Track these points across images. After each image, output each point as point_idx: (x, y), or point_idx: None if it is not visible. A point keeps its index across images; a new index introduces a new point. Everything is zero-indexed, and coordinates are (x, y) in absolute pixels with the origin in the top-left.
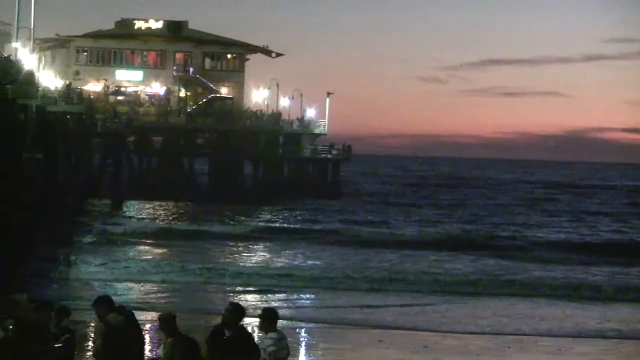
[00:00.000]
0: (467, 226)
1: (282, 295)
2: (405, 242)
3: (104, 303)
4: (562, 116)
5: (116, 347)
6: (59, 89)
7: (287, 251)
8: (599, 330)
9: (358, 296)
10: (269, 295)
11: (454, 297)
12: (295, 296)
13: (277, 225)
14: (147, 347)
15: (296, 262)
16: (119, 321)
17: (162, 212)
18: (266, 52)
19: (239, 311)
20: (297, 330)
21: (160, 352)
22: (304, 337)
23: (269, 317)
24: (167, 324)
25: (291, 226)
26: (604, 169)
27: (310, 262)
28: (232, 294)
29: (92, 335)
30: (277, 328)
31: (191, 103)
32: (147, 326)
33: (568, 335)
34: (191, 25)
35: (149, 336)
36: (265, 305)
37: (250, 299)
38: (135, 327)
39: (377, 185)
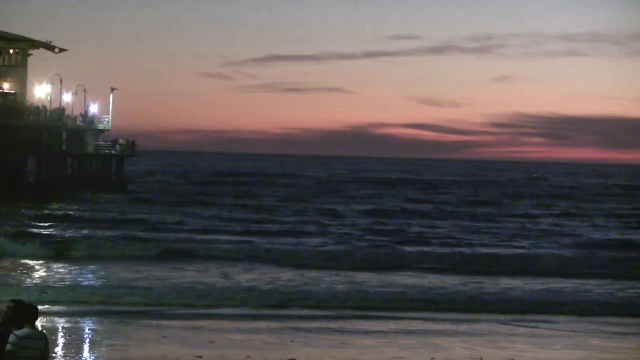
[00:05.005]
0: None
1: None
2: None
3: None
4: (345, 112)
5: None
6: None
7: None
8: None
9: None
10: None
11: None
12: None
13: (52, 232)
14: None
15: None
16: None
17: None
18: (49, 47)
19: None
20: (81, 326)
21: None
22: (88, 334)
23: (21, 312)
24: None
25: (66, 233)
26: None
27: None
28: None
29: None
30: (38, 329)
31: None
32: None
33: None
34: None
35: None
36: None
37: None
38: None
39: (163, 180)
